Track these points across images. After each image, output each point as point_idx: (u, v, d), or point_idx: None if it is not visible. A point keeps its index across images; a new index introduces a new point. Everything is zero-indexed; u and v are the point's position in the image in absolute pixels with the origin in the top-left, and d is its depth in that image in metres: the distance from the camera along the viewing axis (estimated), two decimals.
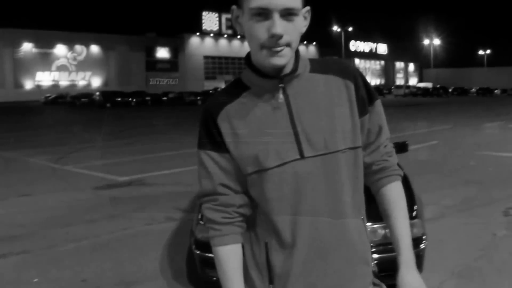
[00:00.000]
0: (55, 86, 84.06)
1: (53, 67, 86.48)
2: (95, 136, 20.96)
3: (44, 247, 6.18)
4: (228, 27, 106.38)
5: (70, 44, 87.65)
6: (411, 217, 4.18)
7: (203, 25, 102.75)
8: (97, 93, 61.40)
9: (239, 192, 1.68)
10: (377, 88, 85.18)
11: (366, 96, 1.69)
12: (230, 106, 1.65)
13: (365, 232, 1.72)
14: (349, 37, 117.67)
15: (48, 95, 71.49)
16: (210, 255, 4.10)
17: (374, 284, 1.74)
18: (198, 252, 4.32)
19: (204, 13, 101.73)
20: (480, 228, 6.54)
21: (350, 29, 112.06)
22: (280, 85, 1.60)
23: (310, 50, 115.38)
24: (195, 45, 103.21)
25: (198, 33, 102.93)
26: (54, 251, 6.03)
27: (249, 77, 1.66)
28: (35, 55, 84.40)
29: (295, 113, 1.60)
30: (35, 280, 5.12)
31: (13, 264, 5.62)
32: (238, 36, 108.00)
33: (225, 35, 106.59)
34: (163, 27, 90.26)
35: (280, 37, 1.49)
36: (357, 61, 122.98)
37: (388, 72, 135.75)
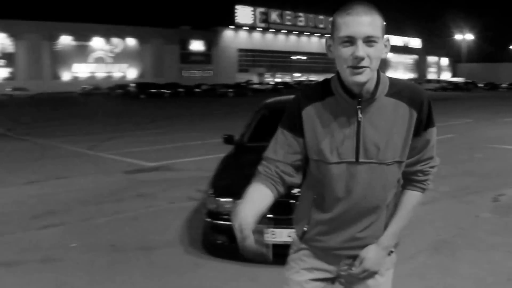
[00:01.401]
0: (92, 77, 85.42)
1: (90, 59, 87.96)
2: (127, 125, 22.03)
3: (79, 220, 7.12)
4: (261, 21, 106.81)
5: (107, 36, 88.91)
6: None
7: (237, 18, 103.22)
8: (132, 85, 62.61)
9: (287, 164, 2.13)
10: None
11: (426, 122, 2.06)
12: (315, 105, 2.07)
13: (384, 215, 2.17)
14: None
15: (84, 86, 72.83)
16: (219, 222, 5.04)
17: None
18: (209, 219, 5.27)
19: (238, 7, 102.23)
20: (466, 211, 7.25)
21: (383, 23, 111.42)
22: (358, 106, 2.00)
23: None
24: (229, 38, 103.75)
25: (232, 26, 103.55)
26: (88, 223, 6.96)
27: (336, 87, 2.05)
28: (73, 47, 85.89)
29: (363, 127, 2.01)
30: (73, 245, 6.04)
31: (54, 233, 6.55)
32: (272, 30, 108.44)
33: (259, 29, 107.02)
34: (197, 20, 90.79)
35: (362, 59, 1.88)
36: (389, 55, 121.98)
37: (420, 67, 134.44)
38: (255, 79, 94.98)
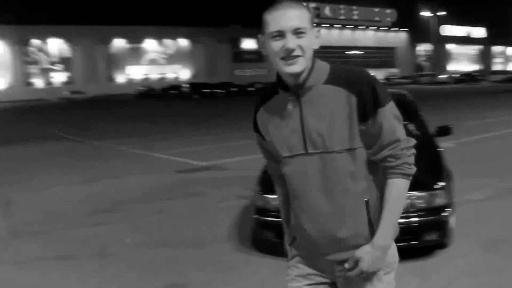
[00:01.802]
0: (146, 79, 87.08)
1: (144, 61, 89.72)
2: (180, 125, 22.34)
3: (132, 217, 7.32)
4: (314, 16, 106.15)
5: (159, 38, 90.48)
6: (434, 189, 4.84)
7: None
8: (185, 85, 63.36)
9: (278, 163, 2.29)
10: (469, 74, 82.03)
11: (372, 105, 2.01)
12: (264, 106, 2.21)
13: (363, 211, 2.10)
14: (442, 21, 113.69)
15: (138, 87, 74.24)
16: (266, 218, 5.05)
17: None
18: (257, 216, 5.32)
19: None
20: None
21: (443, 13, 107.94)
22: (291, 97, 2.08)
23: (400, 37, 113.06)
24: None
25: None
26: (141, 221, 7.14)
27: (278, 86, 2.15)
28: (127, 50, 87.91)
29: (305, 118, 2.07)
30: (127, 240, 6.23)
31: (110, 229, 6.78)
32: (325, 25, 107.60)
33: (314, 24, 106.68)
34: (248, 18, 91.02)
35: (293, 50, 1.98)
36: (450, 46, 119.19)
37: (485, 57, 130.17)
38: None
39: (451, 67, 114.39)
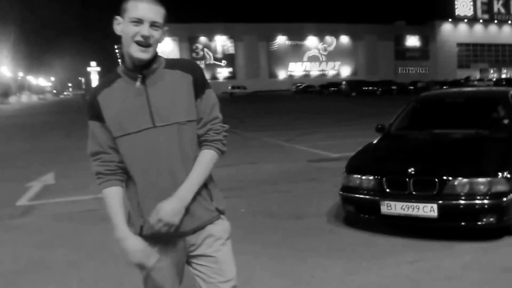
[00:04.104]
0: (306, 75, 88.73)
1: (305, 57, 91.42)
2: (328, 121, 23.33)
3: (253, 195, 8.57)
4: (483, 12, 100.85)
5: (320, 35, 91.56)
6: (496, 175, 5.39)
7: (456, 10, 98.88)
8: (343, 83, 63.80)
9: (117, 151, 2.43)
10: None
11: (200, 83, 2.43)
12: (108, 89, 2.41)
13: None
14: None
15: (298, 84, 75.80)
16: (348, 194, 6.10)
17: (218, 211, 2.57)
18: (341, 192, 6.30)
19: None
20: None
21: None
22: (139, 76, 2.35)
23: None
24: (447, 32, 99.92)
25: (450, 19, 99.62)
26: (259, 197, 8.38)
27: (122, 69, 2.41)
28: (288, 47, 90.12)
29: (150, 96, 2.36)
30: (242, 210, 7.51)
31: (229, 202, 7.89)
32: (495, 21, 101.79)
33: (481, 20, 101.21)
34: (413, 15, 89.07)
35: (148, 37, 2.29)
36: None
37: None
38: (477, 75, 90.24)
39: None
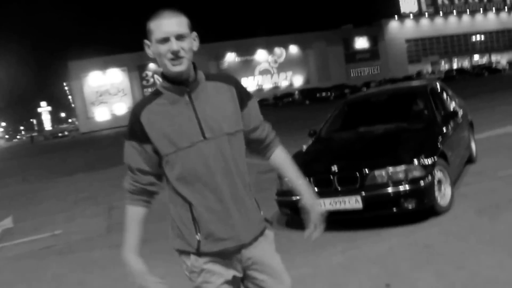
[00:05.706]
0: (259, 90, 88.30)
1: (256, 72, 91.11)
2: (279, 132, 21.99)
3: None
4: (428, 5, 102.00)
5: (269, 48, 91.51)
6: (411, 162, 5.75)
7: (402, 7, 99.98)
8: (296, 92, 63.56)
9: (147, 174, 2.41)
10: None
11: (244, 94, 2.49)
12: (150, 106, 2.36)
13: (250, 192, 2.46)
14: None
15: None
16: (283, 198, 6.32)
17: (266, 220, 2.55)
18: (277, 197, 6.54)
19: None
20: None
21: None
22: (187, 89, 2.33)
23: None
24: (395, 29, 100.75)
25: (396, 17, 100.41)
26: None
27: (164, 85, 2.37)
28: (238, 63, 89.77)
29: (197, 108, 2.33)
30: None
31: None
32: (441, 13, 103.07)
33: (426, 14, 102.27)
34: (360, 17, 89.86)
35: (178, 51, 2.26)
36: None
37: None
38: (429, 68, 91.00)
39: None
